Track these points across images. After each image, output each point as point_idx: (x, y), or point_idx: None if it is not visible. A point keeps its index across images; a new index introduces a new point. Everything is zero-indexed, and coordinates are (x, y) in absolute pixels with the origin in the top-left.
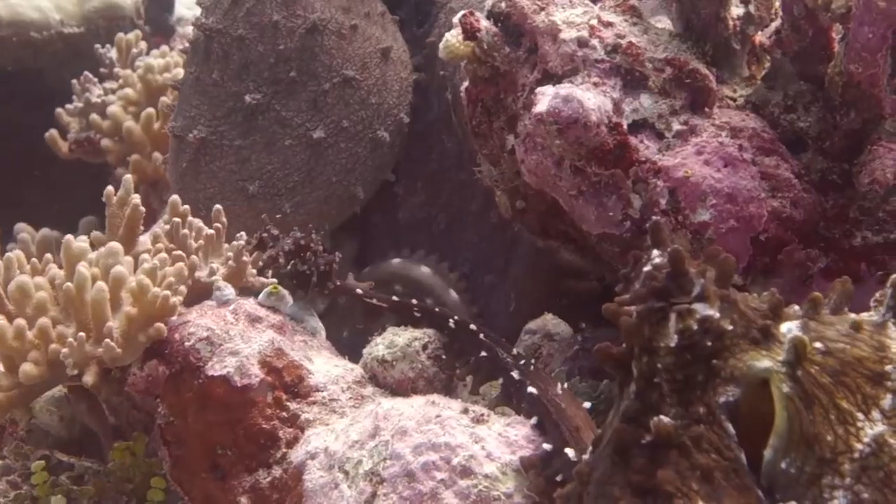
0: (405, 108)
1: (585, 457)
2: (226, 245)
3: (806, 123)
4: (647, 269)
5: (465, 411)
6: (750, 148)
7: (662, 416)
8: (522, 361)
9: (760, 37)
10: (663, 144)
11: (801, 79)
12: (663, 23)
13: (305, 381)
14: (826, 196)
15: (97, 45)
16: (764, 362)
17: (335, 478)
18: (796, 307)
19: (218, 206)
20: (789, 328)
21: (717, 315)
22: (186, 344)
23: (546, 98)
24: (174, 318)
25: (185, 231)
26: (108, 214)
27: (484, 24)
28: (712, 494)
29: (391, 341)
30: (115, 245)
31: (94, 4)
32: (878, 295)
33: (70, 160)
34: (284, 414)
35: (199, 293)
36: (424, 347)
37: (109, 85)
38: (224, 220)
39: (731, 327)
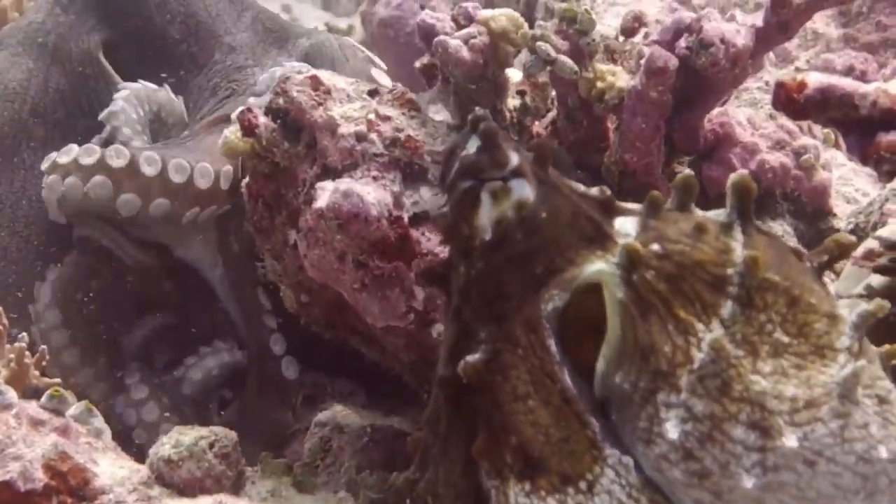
0: None
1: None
2: (7, 346)
3: None
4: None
5: None
6: None
7: (468, 357)
8: None
9: (537, 127)
10: None
11: (578, 168)
12: (441, 114)
13: (91, 483)
14: None
15: None
16: (597, 264)
17: None
18: (636, 205)
19: None
20: (624, 225)
21: (533, 197)
22: None
23: (326, 193)
24: None
25: None
26: None
27: (262, 120)
28: (526, 471)
29: (177, 440)
30: None
31: None
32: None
33: None
34: None
35: None
36: (211, 446)
37: None
38: (6, 321)
39: (545, 215)
